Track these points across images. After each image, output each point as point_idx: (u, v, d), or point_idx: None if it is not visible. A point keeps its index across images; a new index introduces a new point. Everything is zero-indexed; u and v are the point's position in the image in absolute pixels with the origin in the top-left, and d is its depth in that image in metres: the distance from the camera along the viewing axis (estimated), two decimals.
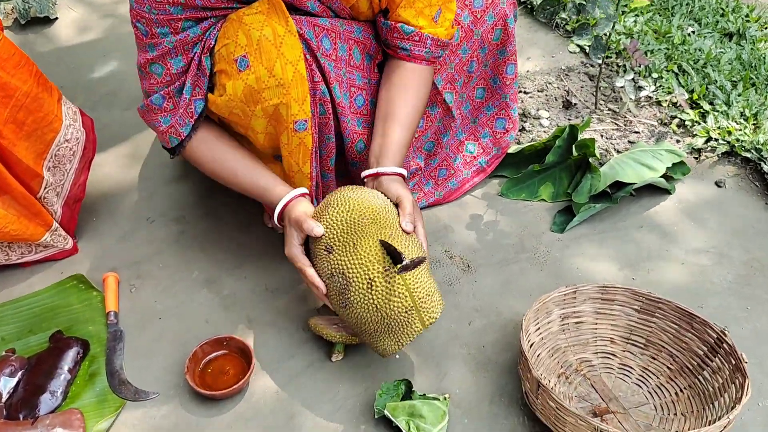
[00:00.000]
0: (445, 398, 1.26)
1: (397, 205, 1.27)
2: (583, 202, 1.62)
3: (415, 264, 1.15)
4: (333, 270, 1.21)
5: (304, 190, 1.32)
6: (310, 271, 1.24)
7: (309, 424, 1.26)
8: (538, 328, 1.32)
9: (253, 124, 1.31)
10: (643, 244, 1.60)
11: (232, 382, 1.31)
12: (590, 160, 1.68)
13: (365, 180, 1.36)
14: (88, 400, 1.30)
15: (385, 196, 1.29)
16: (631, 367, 1.34)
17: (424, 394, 1.26)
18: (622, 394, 1.30)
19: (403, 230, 1.22)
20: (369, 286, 1.17)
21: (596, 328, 1.38)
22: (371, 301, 1.17)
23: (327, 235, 1.23)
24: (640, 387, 1.31)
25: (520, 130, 1.88)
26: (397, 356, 1.35)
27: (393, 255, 1.17)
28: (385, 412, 1.21)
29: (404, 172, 1.34)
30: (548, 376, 1.30)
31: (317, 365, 1.35)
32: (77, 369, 1.35)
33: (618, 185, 1.67)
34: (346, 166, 1.53)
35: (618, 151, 1.82)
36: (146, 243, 1.62)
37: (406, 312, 1.17)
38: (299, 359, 1.36)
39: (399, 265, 1.16)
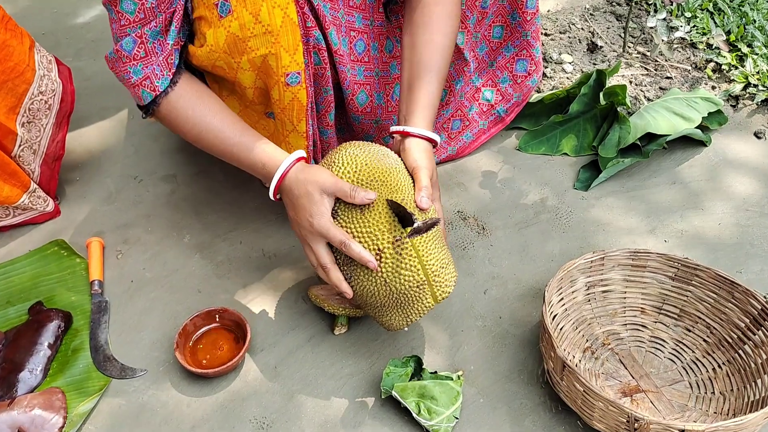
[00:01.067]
0: (458, 377, 1.15)
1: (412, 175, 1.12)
2: (610, 156, 1.47)
3: (428, 226, 1.01)
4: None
5: (302, 153, 1.14)
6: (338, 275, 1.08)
7: (310, 404, 1.15)
8: (562, 299, 1.20)
9: (239, 78, 1.16)
10: (676, 202, 1.45)
11: (226, 358, 1.20)
12: (619, 109, 1.52)
13: (393, 136, 1.19)
14: (71, 378, 1.20)
15: (403, 160, 1.15)
16: (663, 340, 1.22)
17: (436, 372, 1.15)
18: (653, 370, 1.18)
19: (417, 206, 1.07)
20: (377, 257, 1.04)
21: (625, 298, 1.25)
22: (379, 273, 1.05)
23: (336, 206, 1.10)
24: (674, 362, 1.19)
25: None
26: (406, 329, 1.23)
27: (402, 217, 1.04)
28: (393, 393, 1.10)
29: (436, 137, 1.17)
30: (572, 351, 1.19)
31: (319, 339, 1.24)
32: (58, 344, 1.24)
33: (649, 137, 1.52)
34: (347, 120, 1.38)
35: (648, 99, 1.65)
36: (133, 205, 1.49)
37: (417, 286, 1.05)
38: (299, 332, 1.25)
39: (409, 228, 1.03)
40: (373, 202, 1.05)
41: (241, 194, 1.50)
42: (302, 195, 1.08)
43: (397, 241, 1.04)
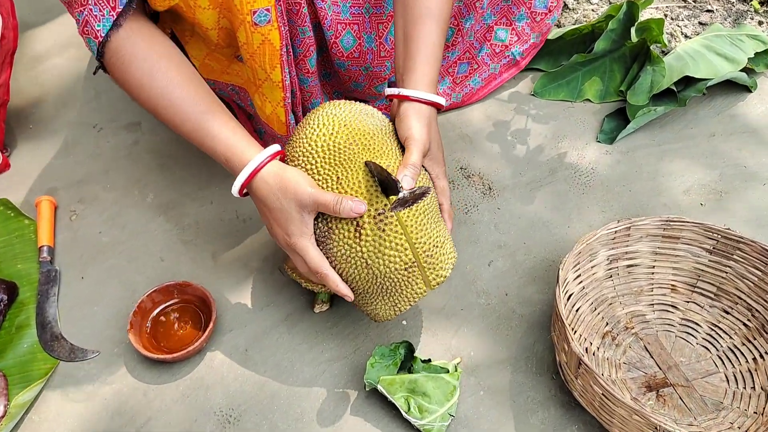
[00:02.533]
0: (456, 366, 0.98)
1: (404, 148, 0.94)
2: (641, 103, 1.26)
3: (416, 197, 0.83)
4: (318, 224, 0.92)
5: (276, 148, 0.93)
6: (334, 278, 0.91)
7: (284, 394, 1.00)
8: (579, 275, 1.02)
9: (199, 18, 0.96)
10: (716, 158, 1.25)
11: (189, 340, 1.04)
12: (652, 48, 1.30)
13: (391, 101, 1.00)
14: (13, 359, 1.05)
15: (396, 129, 0.96)
16: (696, 323, 1.04)
17: (429, 360, 0.99)
18: (684, 359, 1.01)
19: (376, 164, 0.88)
20: (356, 234, 0.87)
21: (653, 273, 1.07)
22: (359, 254, 0.87)
23: (303, 163, 0.92)
24: (708, 350, 1.02)
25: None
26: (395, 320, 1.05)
27: (385, 184, 0.85)
28: (379, 387, 0.94)
29: (440, 100, 0.97)
30: (590, 336, 1.02)
31: (296, 318, 1.08)
32: (1, 320, 1.09)
33: (685, 82, 1.30)
34: (332, 67, 1.18)
35: (686, 36, 1.43)
36: (91, 157, 1.31)
37: (405, 269, 0.88)
38: (274, 310, 1.09)
39: (394, 198, 0.84)
40: (353, 173, 0.87)
41: None
42: (276, 209, 0.90)
43: (379, 215, 0.85)
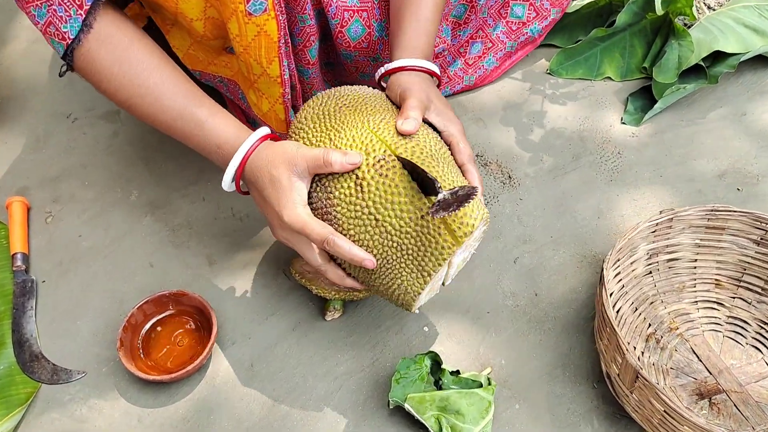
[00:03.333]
0: (489, 379, 0.89)
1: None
2: (669, 81, 1.17)
3: (461, 199, 0.71)
4: (318, 194, 0.82)
5: (265, 130, 0.84)
6: (345, 243, 0.78)
7: (296, 414, 0.89)
8: (618, 272, 0.93)
9: (182, 8, 0.85)
10: (750, 139, 1.16)
11: (187, 357, 0.93)
12: (675, 20, 1.21)
13: (381, 83, 0.92)
14: None
15: (391, 99, 0.87)
16: (744, 321, 0.96)
17: (458, 372, 0.89)
18: (734, 362, 0.92)
19: (398, 131, 0.79)
20: (357, 189, 0.77)
21: (695, 267, 0.98)
22: (365, 210, 0.76)
23: (294, 139, 0.83)
24: (759, 351, 0.94)
25: None
26: (423, 299, 0.91)
27: (421, 182, 0.75)
28: (407, 406, 0.84)
29: (434, 68, 0.88)
30: (633, 340, 0.93)
31: (306, 327, 0.97)
32: None
33: (712, 57, 1.21)
34: (337, 57, 1.07)
35: (710, 8, 1.33)
36: (66, 151, 1.18)
37: (421, 217, 0.75)
38: (280, 319, 0.98)
39: (434, 199, 0.73)
40: (346, 131, 0.79)
41: None
42: (267, 184, 0.80)
43: (379, 161, 0.76)
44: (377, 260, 0.79)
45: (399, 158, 0.76)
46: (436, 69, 0.88)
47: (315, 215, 0.80)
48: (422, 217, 0.75)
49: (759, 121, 1.18)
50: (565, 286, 1.00)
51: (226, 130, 0.84)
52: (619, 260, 0.92)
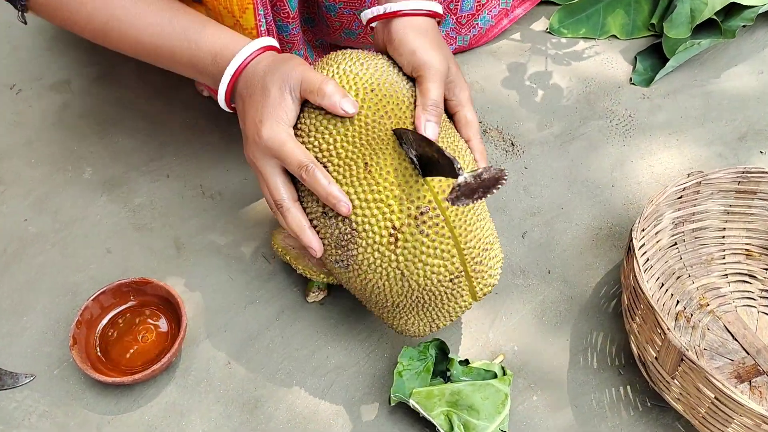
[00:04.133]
0: (503, 368, 0.77)
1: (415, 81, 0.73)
2: (682, 37, 1.06)
3: (488, 184, 0.57)
4: (327, 208, 0.68)
5: (271, 41, 0.73)
6: (327, 178, 0.67)
7: (282, 416, 0.77)
8: (643, 245, 0.82)
9: None
10: None
11: (153, 354, 0.80)
12: None
13: (371, 28, 0.79)
14: None
15: (395, 60, 0.74)
16: None
17: (467, 361, 0.78)
18: None
19: (416, 133, 0.68)
20: (390, 240, 0.65)
21: (723, 237, 0.89)
22: (393, 264, 0.66)
23: (314, 143, 0.69)
24: None
25: None
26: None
27: (431, 162, 0.63)
28: (412, 403, 0.73)
29: (438, 8, 0.76)
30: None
31: (290, 316, 0.85)
32: None
33: (726, 10, 1.11)
34: (318, 10, 0.94)
35: None
36: (9, 126, 1.04)
37: (449, 281, 0.68)
38: (260, 308, 0.85)
39: (454, 185, 0.58)
40: (384, 158, 0.66)
41: (166, 104, 1.05)
42: (256, 91, 0.68)
43: (422, 214, 0.65)
44: (385, 301, 0.70)
45: (397, 131, 0.65)
46: (439, 9, 0.75)
47: (322, 232, 0.70)
48: (451, 280, 0.68)
49: None
50: (580, 262, 0.89)
51: (222, 37, 0.72)
52: (644, 230, 0.81)
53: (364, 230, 0.66)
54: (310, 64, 0.95)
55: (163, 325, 0.82)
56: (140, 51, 0.75)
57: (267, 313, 0.85)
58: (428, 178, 0.66)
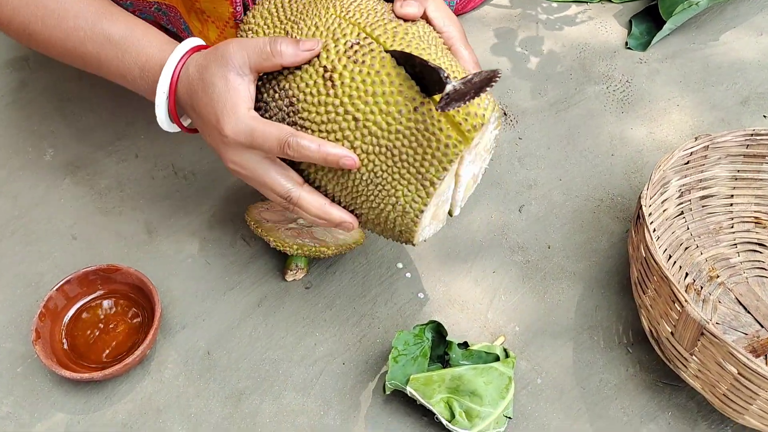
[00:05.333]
0: (506, 351, 0.72)
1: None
2: None
3: (478, 85, 0.52)
4: (265, 84, 0.62)
5: (197, 41, 0.65)
6: (316, 141, 0.59)
7: (268, 409, 0.71)
8: (649, 214, 0.77)
9: None
10: None
11: (124, 347, 0.74)
12: None
13: None
14: None
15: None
16: None
17: (466, 344, 0.72)
18: None
19: (396, 14, 0.62)
20: (326, 84, 0.58)
21: (731, 204, 0.84)
22: (339, 109, 0.58)
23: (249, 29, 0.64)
24: None
25: None
26: (427, 225, 0.65)
27: (422, 75, 0.56)
28: (409, 390, 0.67)
29: None
30: None
31: (273, 302, 0.79)
32: None
33: None
34: None
35: None
36: None
37: (414, 110, 0.57)
38: (241, 294, 0.79)
39: (443, 94, 0.53)
40: (307, 21, 0.61)
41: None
42: (201, 95, 0.61)
43: (352, 46, 0.58)
44: (364, 174, 0.60)
45: (390, 52, 0.58)
46: None
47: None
48: (415, 109, 0.57)
49: None
50: (581, 236, 0.84)
51: (149, 46, 0.64)
52: (651, 197, 0.76)
53: (296, 89, 0.59)
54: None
55: (135, 315, 0.75)
56: (67, 58, 0.69)
57: (248, 300, 0.79)
58: (353, 19, 0.60)
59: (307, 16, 0.61)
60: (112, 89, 0.97)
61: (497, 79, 0.52)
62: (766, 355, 0.74)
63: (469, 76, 0.53)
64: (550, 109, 0.96)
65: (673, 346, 0.65)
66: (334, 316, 0.78)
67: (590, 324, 0.77)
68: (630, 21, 1.05)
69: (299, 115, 0.59)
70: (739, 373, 0.59)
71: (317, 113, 0.58)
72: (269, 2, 0.65)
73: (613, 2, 1.08)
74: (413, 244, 0.64)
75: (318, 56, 0.59)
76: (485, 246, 0.83)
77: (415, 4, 0.61)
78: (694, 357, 0.63)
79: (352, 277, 0.80)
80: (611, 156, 0.91)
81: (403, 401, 0.71)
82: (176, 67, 0.62)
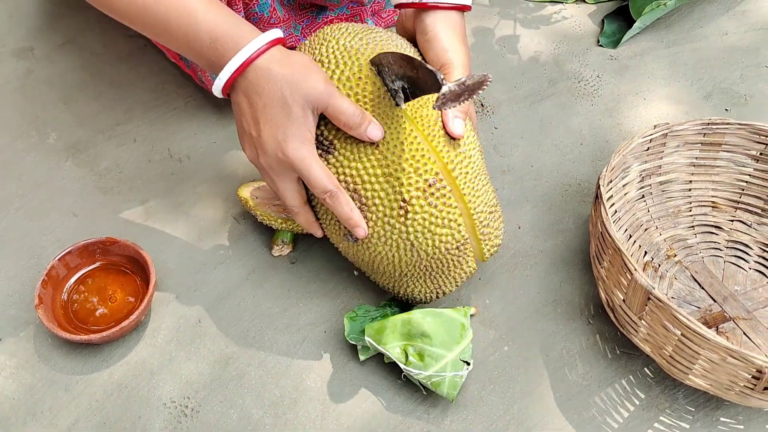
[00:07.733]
0: (467, 315, 0.78)
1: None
2: None
3: (471, 88, 0.58)
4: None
5: (278, 33, 0.69)
6: (349, 202, 0.69)
7: (254, 372, 0.77)
8: (611, 196, 0.83)
9: None
10: (734, 59, 1.08)
11: (121, 313, 0.79)
12: None
13: (401, 12, 0.79)
14: None
15: (420, 49, 0.76)
16: (745, 245, 0.88)
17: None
18: (738, 288, 0.84)
19: (447, 132, 0.70)
20: (400, 212, 0.67)
21: (690, 189, 0.90)
22: (404, 236, 0.68)
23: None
24: (764, 275, 0.86)
25: None
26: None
27: (413, 81, 0.63)
28: (367, 339, 0.73)
29: (468, 0, 0.76)
30: None
31: (261, 275, 0.84)
32: None
33: None
34: None
35: None
36: None
37: (457, 248, 0.70)
38: (231, 267, 0.85)
39: (439, 95, 0.59)
40: (384, 126, 0.68)
41: (131, 69, 1.04)
42: (274, 101, 0.66)
43: (430, 186, 0.66)
44: (392, 271, 0.73)
45: (375, 61, 0.64)
46: (469, 1, 0.76)
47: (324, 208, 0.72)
48: (458, 247, 0.70)
49: (742, 40, 1.11)
50: (550, 217, 0.90)
51: (226, 20, 0.67)
52: (611, 181, 0.82)
53: (374, 204, 0.67)
54: (282, 22, 0.95)
55: (131, 284, 0.81)
56: (132, 15, 0.69)
57: (237, 273, 0.84)
58: (436, 149, 0.67)
59: (398, 120, 0.67)
60: (113, 79, 1.03)
61: (488, 83, 0.58)
62: (717, 327, 0.80)
63: (462, 79, 0.59)
64: (525, 101, 1.02)
65: (625, 312, 0.71)
66: (317, 288, 0.83)
67: (554, 298, 0.83)
68: (603, 20, 1.11)
69: (367, 219, 0.68)
70: (682, 334, 0.65)
71: (382, 228, 0.68)
72: (340, 59, 0.68)
73: (587, 2, 1.15)
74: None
75: (400, 181, 0.66)
76: None
77: (461, 125, 0.69)
78: (643, 321, 0.69)
79: (336, 253, 0.86)
80: (580, 145, 0.97)
81: (379, 366, 0.77)
82: (253, 53, 0.66)
